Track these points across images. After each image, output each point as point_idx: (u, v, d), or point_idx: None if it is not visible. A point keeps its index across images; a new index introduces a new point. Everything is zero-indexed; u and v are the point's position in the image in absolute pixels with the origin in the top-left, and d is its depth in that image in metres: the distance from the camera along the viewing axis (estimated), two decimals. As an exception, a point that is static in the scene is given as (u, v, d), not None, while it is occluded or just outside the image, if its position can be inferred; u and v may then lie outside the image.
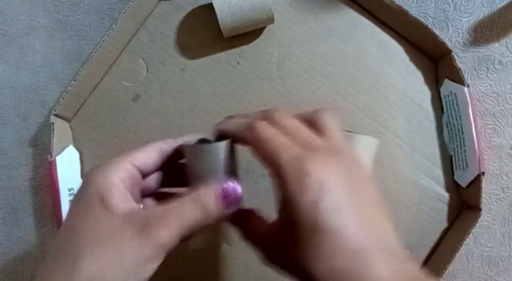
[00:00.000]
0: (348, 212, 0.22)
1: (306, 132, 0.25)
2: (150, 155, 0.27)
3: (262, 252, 0.26)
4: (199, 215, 0.24)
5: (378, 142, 0.39)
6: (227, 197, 0.25)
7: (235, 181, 0.26)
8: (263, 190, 0.41)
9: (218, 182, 0.26)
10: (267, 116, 0.26)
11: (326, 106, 0.28)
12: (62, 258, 0.23)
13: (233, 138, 0.27)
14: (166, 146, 0.29)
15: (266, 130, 0.25)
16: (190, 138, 0.29)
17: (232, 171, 0.27)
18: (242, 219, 0.28)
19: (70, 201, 0.40)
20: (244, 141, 0.26)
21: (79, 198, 0.25)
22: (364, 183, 0.24)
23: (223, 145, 0.27)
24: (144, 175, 0.28)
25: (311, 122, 0.26)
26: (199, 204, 0.24)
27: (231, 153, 0.27)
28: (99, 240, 0.23)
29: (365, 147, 0.38)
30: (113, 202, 0.24)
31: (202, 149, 0.27)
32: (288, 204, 0.22)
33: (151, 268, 0.23)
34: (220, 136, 0.28)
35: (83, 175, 0.42)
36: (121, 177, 0.25)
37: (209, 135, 0.30)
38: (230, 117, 0.30)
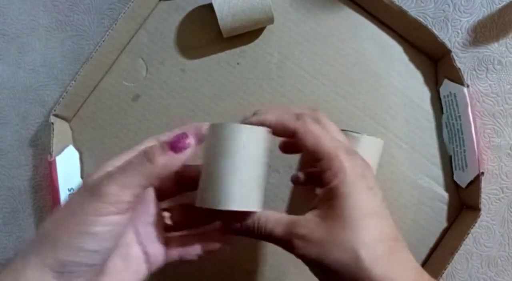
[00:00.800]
0: (379, 210, 0.26)
1: (340, 134, 0.30)
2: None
3: (292, 242, 0.25)
4: (148, 166, 0.24)
5: (382, 143, 0.39)
6: (176, 147, 0.25)
7: (188, 135, 0.25)
8: (270, 187, 0.41)
9: (256, 174, 0.26)
10: (307, 113, 0.29)
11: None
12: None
13: (273, 128, 0.28)
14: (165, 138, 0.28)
15: (316, 126, 0.27)
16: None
17: (261, 159, 0.26)
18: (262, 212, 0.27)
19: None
20: (285, 132, 0.28)
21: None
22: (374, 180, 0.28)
23: (265, 130, 0.27)
24: None
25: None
26: (147, 156, 0.24)
27: (265, 140, 0.27)
28: (60, 208, 0.24)
29: (371, 148, 0.38)
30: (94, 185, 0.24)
31: (245, 129, 0.25)
32: (342, 190, 0.25)
33: (100, 222, 0.23)
34: None
35: (83, 175, 0.42)
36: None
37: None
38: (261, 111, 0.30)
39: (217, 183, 0.25)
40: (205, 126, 0.27)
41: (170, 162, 0.25)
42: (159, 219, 0.29)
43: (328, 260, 0.24)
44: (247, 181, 0.25)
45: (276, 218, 0.26)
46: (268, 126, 0.28)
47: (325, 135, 0.27)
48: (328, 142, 0.26)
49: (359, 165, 0.26)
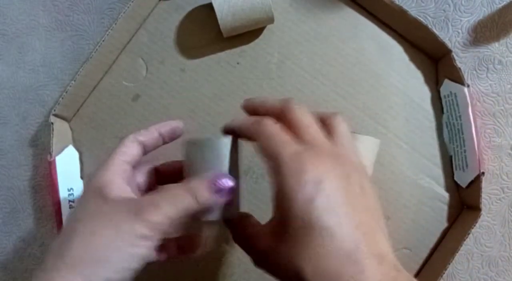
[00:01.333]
0: (342, 214, 0.22)
1: (315, 130, 0.25)
2: (134, 147, 0.30)
3: (253, 254, 0.25)
4: (191, 202, 0.25)
5: (379, 143, 0.39)
6: (220, 190, 0.26)
7: (228, 175, 0.26)
8: (263, 190, 0.41)
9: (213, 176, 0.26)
10: (284, 105, 0.26)
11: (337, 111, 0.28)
12: (57, 246, 0.24)
13: (238, 134, 0.27)
14: (142, 137, 0.30)
15: (270, 125, 0.25)
16: (166, 125, 0.31)
17: (232, 169, 0.27)
18: (234, 221, 0.28)
19: (69, 201, 0.40)
20: (248, 137, 0.26)
21: (79, 200, 0.26)
22: (362, 189, 0.24)
23: (224, 141, 0.27)
24: (135, 166, 0.30)
25: (325, 122, 0.27)
26: (191, 192, 0.25)
27: (233, 150, 0.27)
28: (92, 218, 0.24)
29: (367, 148, 0.38)
30: (111, 192, 0.25)
31: (203, 144, 0.27)
32: (283, 201, 0.22)
33: (144, 246, 0.24)
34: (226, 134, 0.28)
35: (83, 175, 0.42)
36: (117, 172, 0.27)
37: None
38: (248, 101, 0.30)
39: None
40: (178, 125, 0.31)
41: (213, 203, 0.26)
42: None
43: (277, 276, 0.23)
44: None
45: (252, 225, 0.26)
46: (234, 132, 0.28)
47: (277, 135, 0.24)
48: (274, 144, 0.24)
49: (305, 170, 0.22)
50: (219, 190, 0.25)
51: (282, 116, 0.26)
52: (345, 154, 0.25)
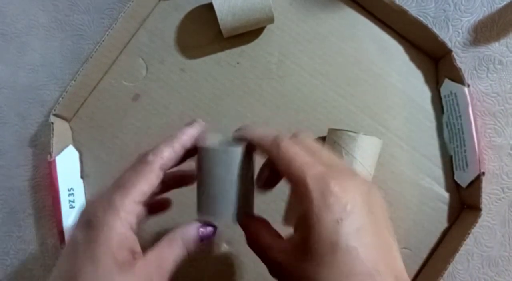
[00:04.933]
0: (366, 234, 0.22)
1: (327, 153, 0.26)
2: (151, 182, 0.26)
3: (267, 263, 0.26)
4: (180, 253, 0.26)
5: (381, 143, 0.39)
6: (203, 238, 0.28)
7: (209, 226, 0.28)
8: (270, 195, 0.41)
9: (227, 191, 0.27)
10: (294, 133, 0.27)
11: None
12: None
13: (252, 146, 0.27)
14: (165, 161, 0.27)
15: (291, 147, 0.25)
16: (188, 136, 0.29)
17: (246, 178, 0.27)
18: (251, 228, 0.28)
19: (69, 201, 0.40)
20: (263, 152, 0.27)
21: (86, 243, 0.24)
22: (380, 206, 0.25)
23: (240, 150, 0.27)
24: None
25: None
26: (180, 244, 0.27)
27: (246, 157, 0.27)
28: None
29: (369, 148, 0.38)
30: (124, 260, 0.24)
31: (217, 152, 0.27)
32: (308, 221, 0.23)
33: None
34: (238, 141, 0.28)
35: (83, 175, 0.42)
36: (130, 224, 0.25)
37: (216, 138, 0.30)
38: (245, 127, 0.30)
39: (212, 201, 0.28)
40: (195, 130, 0.29)
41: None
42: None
43: None
44: (225, 196, 0.27)
45: (269, 236, 0.26)
46: (247, 140, 0.28)
47: (299, 156, 0.24)
48: (298, 165, 0.24)
49: (331, 191, 0.23)
50: (205, 238, 0.28)
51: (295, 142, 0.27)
52: (356, 170, 0.26)
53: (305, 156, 0.25)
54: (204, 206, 0.28)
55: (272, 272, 0.25)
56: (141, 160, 0.27)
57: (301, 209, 0.23)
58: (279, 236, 0.26)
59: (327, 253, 0.22)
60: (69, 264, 0.24)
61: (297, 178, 0.24)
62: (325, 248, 0.22)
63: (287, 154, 0.25)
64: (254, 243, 0.27)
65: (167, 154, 0.27)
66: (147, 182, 0.26)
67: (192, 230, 0.27)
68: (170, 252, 0.26)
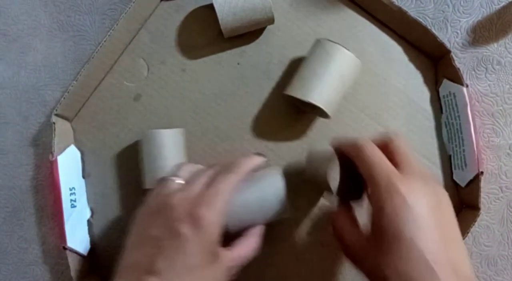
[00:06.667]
0: (425, 227, 0.26)
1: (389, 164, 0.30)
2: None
3: (345, 246, 0.30)
4: (250, 252, 0.33)
5: (359, 63, 0.39)
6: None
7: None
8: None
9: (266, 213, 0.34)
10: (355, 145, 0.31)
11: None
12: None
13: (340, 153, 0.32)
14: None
15: (370, 150, 0.30)
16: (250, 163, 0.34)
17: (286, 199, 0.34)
18: (338, 221, 0.32)
19: (71, 200, 0.40)
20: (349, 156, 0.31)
21: (194, 237, 0.28)
22: (447, 207, 0.28)
23: (278, 173, 0.35)
24: None
25: (387, 150, 0.30)
26: (251, 245, 0.34)
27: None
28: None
29: (343, 63, 0.38)
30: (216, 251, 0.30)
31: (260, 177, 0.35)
32: (376, 213, 0.27)
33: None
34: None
35: (84, 175, 0.42)
36: (223, 222, 0.30)
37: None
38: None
39: None
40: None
41: None
42: None
43: (363, 271, 0.28)
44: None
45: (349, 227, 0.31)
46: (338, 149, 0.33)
47: (380, 161, 0.28)
48: (379, 169, 0.28)
49: (397, 188, 0.27)
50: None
51: (382, 147, 0.30)
52: (424, 174, 0.29)
53: (384, 160, 0.29)
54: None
55: (347, 253, 0.30)
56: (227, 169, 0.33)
57: (377, 206, 0.27)
58: (357, 225, 0.31)
59: (389, 241, 0.26)
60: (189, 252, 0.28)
61: (370, 175, 0.28)
62: (388, 237, 0.26)
63: (369, 158, 0.29)
64: (337, 230, 0.31)
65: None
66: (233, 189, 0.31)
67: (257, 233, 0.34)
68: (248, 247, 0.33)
